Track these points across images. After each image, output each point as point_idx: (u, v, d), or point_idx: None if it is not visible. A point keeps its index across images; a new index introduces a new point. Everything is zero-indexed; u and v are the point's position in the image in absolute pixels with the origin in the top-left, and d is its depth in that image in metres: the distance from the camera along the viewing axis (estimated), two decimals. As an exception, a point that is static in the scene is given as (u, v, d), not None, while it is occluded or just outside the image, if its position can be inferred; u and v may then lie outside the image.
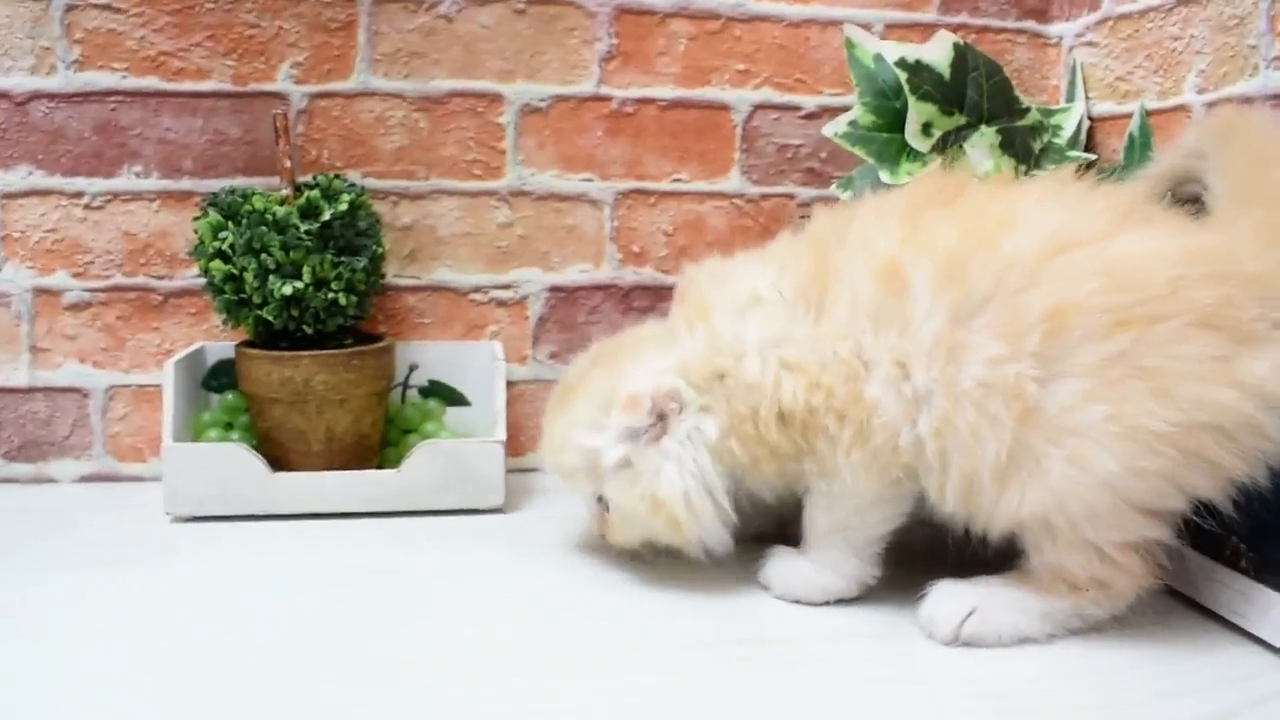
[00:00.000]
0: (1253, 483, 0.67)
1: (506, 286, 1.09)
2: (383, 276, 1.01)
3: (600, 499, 0.79)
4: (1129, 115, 1.01)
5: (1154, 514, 0.67)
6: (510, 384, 1.08)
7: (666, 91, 1.08)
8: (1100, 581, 0.69)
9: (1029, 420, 0.66)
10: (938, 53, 0.91)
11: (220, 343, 1.04)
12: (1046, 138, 1.00)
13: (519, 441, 1.10)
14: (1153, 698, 0.62)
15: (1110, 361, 0.64)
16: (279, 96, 1.04)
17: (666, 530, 0.76)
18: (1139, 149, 0.99)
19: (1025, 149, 0.95)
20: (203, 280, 0.95)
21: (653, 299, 1.10)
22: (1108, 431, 0.64)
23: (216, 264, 0.92)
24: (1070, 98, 1.09)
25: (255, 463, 0.92)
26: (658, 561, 0.83)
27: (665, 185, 1.09)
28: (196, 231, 0.94)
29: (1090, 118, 1.07)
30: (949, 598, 0.70)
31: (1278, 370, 0.64)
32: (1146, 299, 0.64)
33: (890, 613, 0.74)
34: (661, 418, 0.74)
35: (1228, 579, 0.73)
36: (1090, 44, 1.09)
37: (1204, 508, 0.68)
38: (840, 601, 0.76)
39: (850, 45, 0.92)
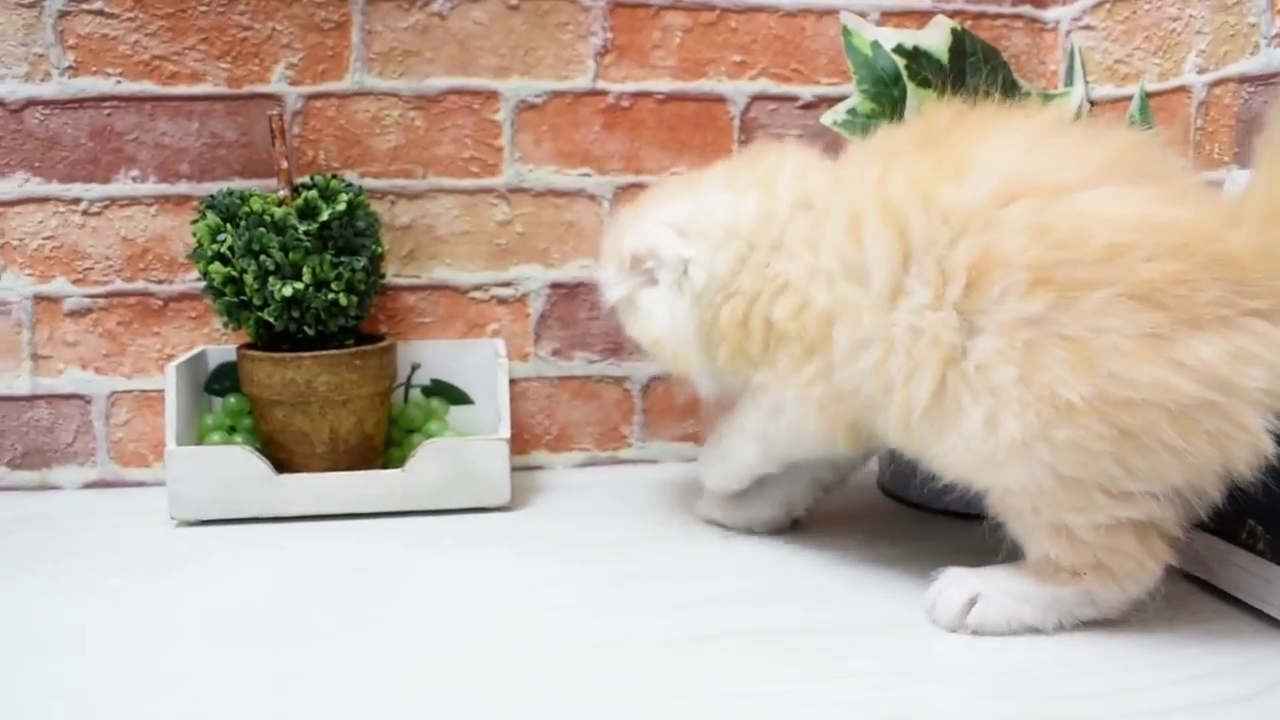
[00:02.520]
0: (1257, 474, 0.63)
1: (507, 284, 1.08)
2: (383, 276, 1.01)
3: None
4: (1129, 98, 1.01)
5: (1119, 495, 0.64)
6: (513, 382, 1.08)
7: (663, 85, 1.08)
8: (1096, 565, 0.67)
9: (954, 367, 0.66)
10: (935, 38, 0.91)
11: (222, 346, 1.04)
12: (1046, 122, 0.99)
13: (523, 439, 1.10)
14: (1170, 683, 0.62)
15: (1024, 322, 0.62)
16: (274, 98, 1.03)
17: (666, 361, 0.86)
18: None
19: (1025, 134, 0.94)
20: (202, 284, 0.95)
21: (654, 293, 1.09)
22: (1015, 396, 0.63)
23: (216, 267, 0.92)
24: (1069, 82, 1.08)
25: (259, 465, 0.92)
26: (660, 552, 0.83)
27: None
28: (195, 234, 0.94)
29: (1090, 101, 1.06)
30: (953, 584, 0.70)
31: (1232, 357, 0.59)
32: (1074, 261, 0.61)
33: (901, 604, 0.74)
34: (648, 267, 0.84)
35: (1244, 561, 0.72)
36: (1088, 27, 1.08)
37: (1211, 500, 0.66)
38: (852, 593, 0.76)
39: (847, 33, 0.91)
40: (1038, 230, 0.62)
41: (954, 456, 0.68)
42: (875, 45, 0.90)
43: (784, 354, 0.77)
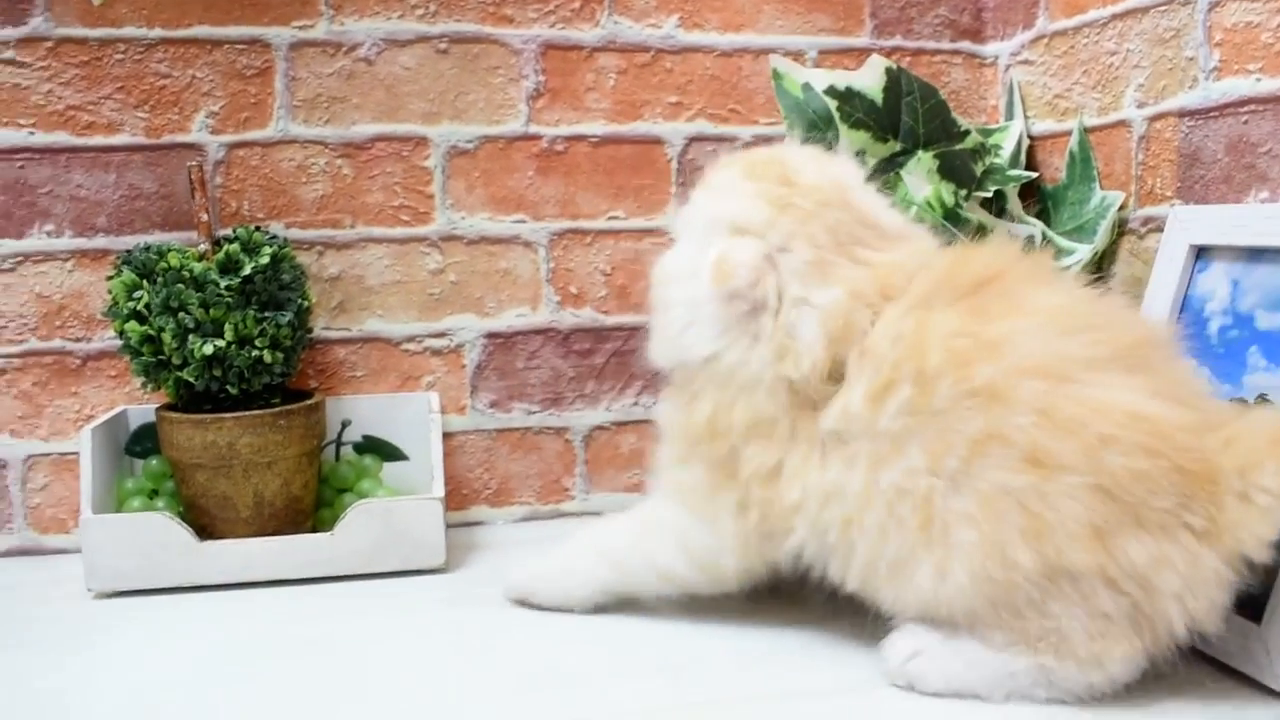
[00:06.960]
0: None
1: (441, 335, 1.05)
2: (310, 331, 0.97)
3: None
4: (1069, 133, 0.99)
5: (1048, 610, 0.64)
6: (449, 435, 1.04)
7: (598, 127, 1.05)
8: (1051, 642, 0.64)
9: (926, 527, 0.65)
10: (869, 79, 0.89)
11: (143, 406, 0.99)
12: (988, 159, 0.98)
13: (462, 494, 1.06)
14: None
15: (1003, 493, 0.63)
16: (195, 148, 1.00)
17: None
18: (1080, 166, 0.98)
19: (966, 172, 0.93)
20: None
21: (593, 341, 1.06)
22: (969, 553, 0.64)
23: (132, 325, 0.88)
24: (1009, 117, 1.07)
25: (180, 532, 0.87)
26: (600, 617, 0.80)
27: (601, 224, 1.06)
28: (110, 291, 0.90)
29: (1030, 136, 1.05)
30: (904, 636, 0.68)
31: (1158, 564, 0.61)
32: (1064, 449, 0.62)
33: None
34: None
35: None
36: (1026, 62, 1.07)
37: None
38: (818, 658, 0.73)
39: (777, 75, 0.89)
40: (1041, 413, 0.63)
41: (903, 603, 0.68)
42: (807, 87, 0.88)
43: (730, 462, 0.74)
